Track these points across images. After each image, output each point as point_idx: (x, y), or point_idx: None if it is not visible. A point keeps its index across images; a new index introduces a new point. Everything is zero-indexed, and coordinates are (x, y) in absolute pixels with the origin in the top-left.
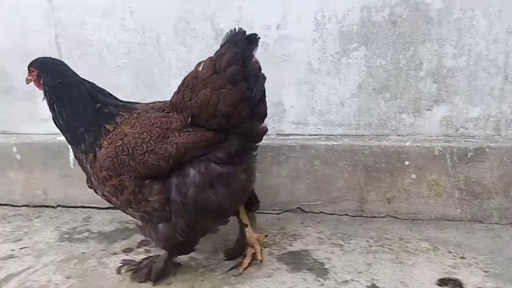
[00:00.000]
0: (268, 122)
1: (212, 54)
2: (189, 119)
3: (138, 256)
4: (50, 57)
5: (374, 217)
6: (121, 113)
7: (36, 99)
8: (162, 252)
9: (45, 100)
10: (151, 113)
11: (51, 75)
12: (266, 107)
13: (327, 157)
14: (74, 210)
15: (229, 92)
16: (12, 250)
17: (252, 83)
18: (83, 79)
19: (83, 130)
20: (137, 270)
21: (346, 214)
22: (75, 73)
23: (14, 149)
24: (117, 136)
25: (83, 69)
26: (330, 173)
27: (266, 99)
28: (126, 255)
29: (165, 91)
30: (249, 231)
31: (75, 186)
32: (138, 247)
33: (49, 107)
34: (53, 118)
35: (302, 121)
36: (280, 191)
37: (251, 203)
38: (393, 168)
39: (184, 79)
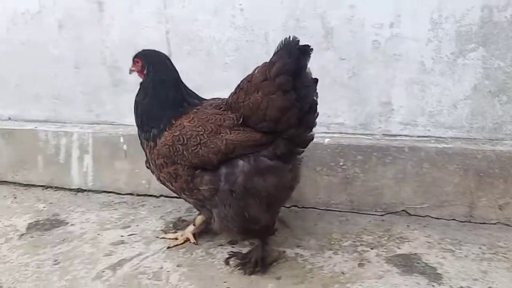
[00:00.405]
0: (374, 121)
1: (320, 52)
2: (241, 119)
3: (244, 248)
4: (154, 50)
5: (484, 223)
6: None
7: None
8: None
9: (141, 85)
10: (208, 110)
11: (156, 69)
12: (314, 117)
13: (437, 160)
14: (177, 200)
15: (278, 98)
16: (122, 236)
17: (303, 93)
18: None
19: (157, 122)
20: (245, 263)
21: (453, 219)
22: (176, 71)
23: (121, 140)
24: (177, 128)
25: (191, 65)
26: (440, 176)
27: (373, 98)
28: (232, 247)
29: None
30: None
31: None
32: (242, 239)
33: (140, 93)
34: (136, 100)
35: (411, 122)
36: (384, 192)
37: None
38: (508, 174)
39: (241, 81)
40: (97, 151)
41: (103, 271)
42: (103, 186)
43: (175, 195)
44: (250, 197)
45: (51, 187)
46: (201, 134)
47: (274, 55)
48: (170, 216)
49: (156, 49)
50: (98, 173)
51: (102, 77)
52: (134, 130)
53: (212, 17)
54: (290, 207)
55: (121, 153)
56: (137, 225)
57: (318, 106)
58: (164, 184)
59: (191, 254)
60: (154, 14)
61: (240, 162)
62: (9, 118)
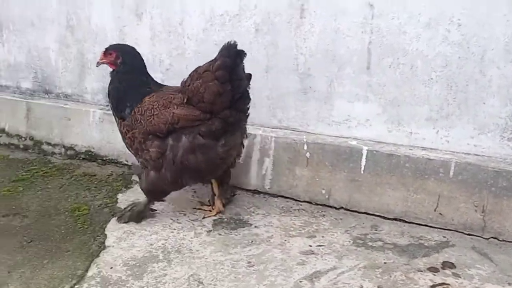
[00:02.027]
0: None
1: None
2: (186, 99)
3: (447, 278)
4: (124, 44)
5: None
6: (153, 91)
7: (332, 101)
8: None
9: (116, 73)
10: (166, 91)
11: (130, 59)
12: (245, 103)
13: None
14: (358, 215)
15: (213, 86)
16: (310, 246)
17: (236, 84)
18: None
19: (131, 102)
20: (122, 214)
21: None
22: (143, 60)
23: (305, 147)
24: (141, 104)
25: (390, 77)
26: None
27: None
28: (434, 274)
29: (478, 109)
30: (215, 198)
31: (362, 192)
32: (443, 268)
33: (114, 80)
34: (112, 87)
35: None
36: None
37: (223, 179)
38: None
39: (191, 72)
40: (278, 155)
41: (300, 281)
42: (281, 190)
43: (355, 208)
44: (184, 168)
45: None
46: (155, 108)
47: (217, 54)
48: (355, 231)
49: (355, 58)
50: (277, 177)
51: (291, 83)
52: (319, 138)
53: (423, 31)
54: (489, 238)
55: (303, 160)
56: (323, 236)
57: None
58: (128, 149)
59: (390, 276)
60: (358, 24)
61: (183, 138)
62: None
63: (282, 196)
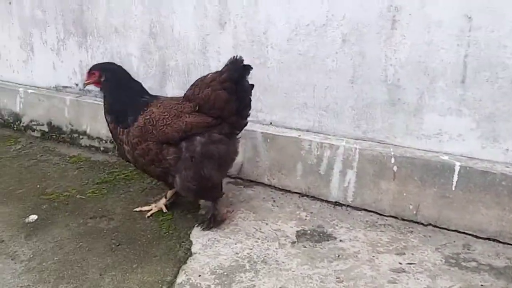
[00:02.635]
0: None
1: None
2: (197, 107)
3: None
4: (104, 62)
5: None
6: (154, 101)
7: (422, 114)
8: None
9: (105, 91)
10: (171, 101)
11: (112, 73)
12: (248, 111)
13: None
14: (448, 233)
15: (223, 94)
16: (400, 263)
17: (241, 95)
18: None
19: (131, 111)
20: (202, 221)
21: None
22: (126, 70)
23: (392, 160)
24: (147, 113)
25: (487, 92)
26: None
27: None
28: None
29: None
30: (163, 199)
31: (453, 209)
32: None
33: (108, 98)
34: (107, 104)
35: None
36: None
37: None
38: None
39: (195, 81)
40: (362, 167)
41: None
42: (364, 204)
43: (444, 225)
44: (206, 159)
45: (307, 195)
46: (167, 118)
47: (224, 66)
48: (446, 250)
49: (449, 71)
50: (360, 190)
51: (378, 94)
52: (408, 152)
53: None
54: None
55: (389, 174)
56: (413, 254)
57: None
58: (136, 160)
59: None
60: (454, 36)
61: (198, 137)
62: (271, 123)
63: (365, 210)
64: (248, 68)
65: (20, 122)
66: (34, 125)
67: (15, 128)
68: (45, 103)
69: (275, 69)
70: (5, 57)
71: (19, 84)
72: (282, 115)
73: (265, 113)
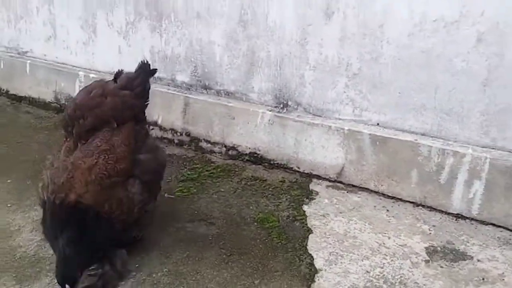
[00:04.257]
0: None
1: None
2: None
3: None
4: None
5: None
6: None
7: None
8: None
9: None
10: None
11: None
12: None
13: None
14: None
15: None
16: None
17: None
18: None
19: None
20: None
21: None
22: None
23: None
24: None
25: None
26: None
27: None
28: None
29: None
30: None
31: None
32: None
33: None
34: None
35: None
36: None
37: None
38: None
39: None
40: (492, 178)
41: None
42: (491, 218)
43: None
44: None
45: (423, 205)
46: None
47: (135, 71)
48: None
49: None
50: (489, 203)
51: None
52: None
53: None
54: None
55: None
56: None
57: None
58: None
59: None
60: None
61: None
62: (378, 124)
63: (493, 224)
64: (154, 71)
65: None
66: None
67: None
68: None
69: (389, 65)
70: (61, 38)
71: (77, 67)
72: (393, 116)
73: (371, 112)
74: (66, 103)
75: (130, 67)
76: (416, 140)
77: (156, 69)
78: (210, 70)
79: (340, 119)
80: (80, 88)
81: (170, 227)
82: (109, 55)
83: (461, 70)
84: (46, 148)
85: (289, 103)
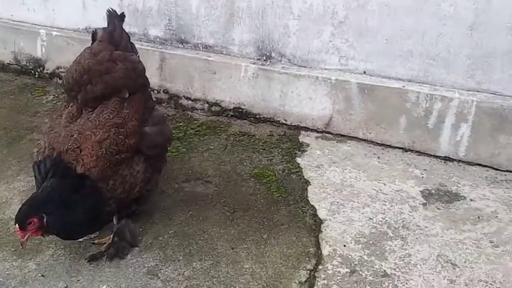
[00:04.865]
0: None
1: None
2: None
3: None
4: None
5: None
6: None
7: None
8: None
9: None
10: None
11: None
12: None
13: None
14: None
15: None
16: None
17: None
18: None
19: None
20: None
21: None
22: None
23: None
24: None
25: None
26: None
27: None
28: None
29: None
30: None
31: None
32: None
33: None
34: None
35: None
36: None
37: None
38: None
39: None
40: (478, 121)
41: None
42: (478, 158)
43: None
44: None
45: (411, 150)
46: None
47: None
48: None
49: None
50: (475, 145)
51: (500, 43)
52: None
53: None
54: None
55: (509, 127)
56: None
57: None
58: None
59: None
60: None
61: None
62: (364, 72)
63: (479, 165)
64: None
65: (43, 69)
66: (62, 72)
67: (37, 76)
68: (75, 47)
69: (376, 12)
70: None
71: (37, 25)
72: (380, 64)
73: (358, 61)
74: (26, 64)
75: (98, 23)
76: (404, 86)
77: (124, 13)
78: (186, 23)
79: (326, 69)
80: (43, 47)
81: (168, 189)
82: (72, 11)
83: (448, 15)
84: (16, 114)
85: (273, 54)
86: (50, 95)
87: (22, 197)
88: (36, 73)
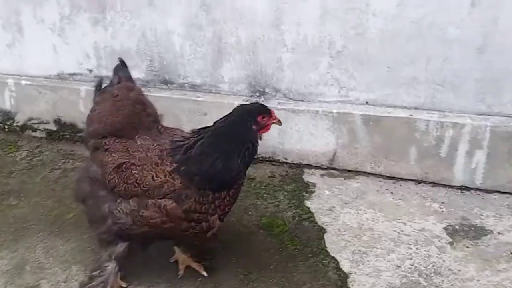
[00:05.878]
0: None
1: None
2: None
3: None
4: None
5: None
6: None
7: None
8: None
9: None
10: None
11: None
12: None
13: None
14: None
15: None
16: None
17: None
18: None
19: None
20: None
21: None
22: None
23: None
24: None
25: None
26: None
27: None
28: None
29: None
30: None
31: None
32: None
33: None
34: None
35: None
36: None
37: None
38: None
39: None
40: (493, 146)
41: None
42: (496, 185)
43: None
44: None
45: (424, 182)
46: None
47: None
48: None
49: None
50: (492, 171)
51: (510, 64)
52: None
53: None
54: None
55: None
56: None
57: None
58: None
59: None
60: None
61: None
62: (366, 103)
63: (498, 192)
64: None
65: (13, 122)
66: (35, 123)
67: (6, 130)
68: (48, 95)
69: (376, 40)
70: None
71: (4, 74)
72: (383, 93)
73: (359, 91)
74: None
75: (71, 67)
76: (411, 115)
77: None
78: (170, 62)
79: (325, 101)
80: (11, 98)
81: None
82: (42, 56)
83: (455, 38)
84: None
85: (267, 90)
86: (24, 150)
87: (6, 278)
88: (6, 127)
